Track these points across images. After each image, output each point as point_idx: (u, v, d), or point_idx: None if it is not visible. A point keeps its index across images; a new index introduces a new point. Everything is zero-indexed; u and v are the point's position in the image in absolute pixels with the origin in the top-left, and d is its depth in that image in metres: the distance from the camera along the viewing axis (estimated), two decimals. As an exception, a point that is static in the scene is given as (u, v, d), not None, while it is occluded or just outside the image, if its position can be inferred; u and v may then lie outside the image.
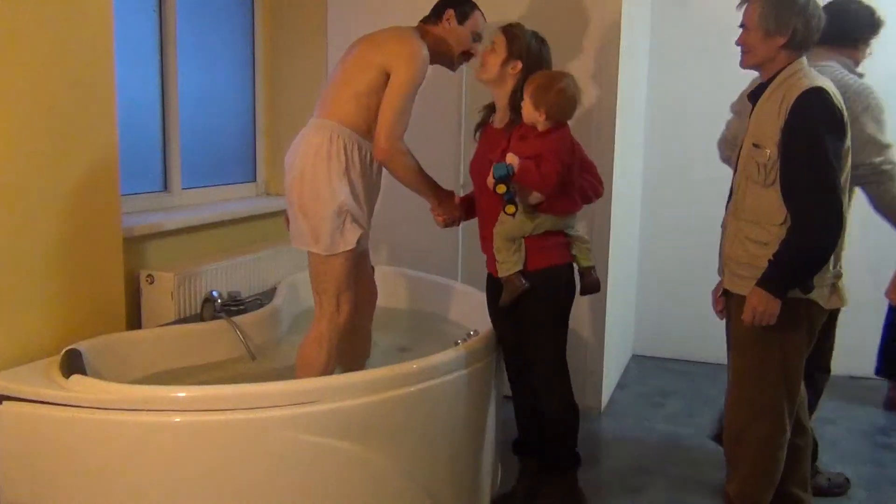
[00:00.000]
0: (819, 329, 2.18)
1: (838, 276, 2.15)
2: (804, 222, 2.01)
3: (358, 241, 2.41)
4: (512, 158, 2.27)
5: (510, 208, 2.29)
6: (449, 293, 3.24)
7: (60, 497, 1.96)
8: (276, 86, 3.80)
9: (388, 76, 2.36)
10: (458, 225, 2.67)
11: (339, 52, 3.70)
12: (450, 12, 2.51)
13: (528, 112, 2.30)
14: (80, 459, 1.93)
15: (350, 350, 2.60)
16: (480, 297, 2.96)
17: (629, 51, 3.48)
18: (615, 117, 3.33)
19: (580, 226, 2.51)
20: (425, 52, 2.40)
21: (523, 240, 2.35)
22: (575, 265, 2.43)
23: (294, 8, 3.75)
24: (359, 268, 2.53)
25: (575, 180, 2.38)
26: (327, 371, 2.40)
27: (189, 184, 3.27)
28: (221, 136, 3.54)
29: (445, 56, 2.56)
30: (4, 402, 1.98)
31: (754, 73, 2.32)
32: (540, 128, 2.31)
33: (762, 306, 2.04)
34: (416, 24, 2.59)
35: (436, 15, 2.53)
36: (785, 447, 2.20)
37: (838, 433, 3.34)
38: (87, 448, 1.92)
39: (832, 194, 1.98)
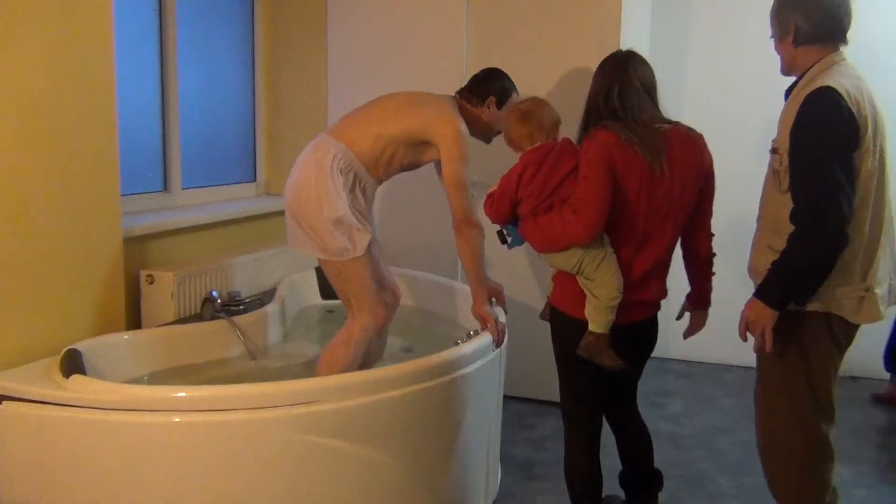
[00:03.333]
0: (849, 341, 2.07)
1: (867, 289, 1.98)
2: (799, 231, 1.89)
3: (369, 246, 2.44)
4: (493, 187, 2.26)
5: (499, 238, 2.28)
6: (449, 293, 3.24)
7: (60, 497, 1.96)
8: (276, 86, 3.80)
9: (421, 141, 2.46)
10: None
11: (339, 52, 3.73)
12: (491, 99, 2.59)
13: None
14: (80, 459, 1.93)
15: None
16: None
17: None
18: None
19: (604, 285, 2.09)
20: (465, 128, 2.48)
21: (556, 271, 2.22)
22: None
23: (294, 8, 3.75)
24: (377, 270, 2.57)
25: (539, 216, 2.13)
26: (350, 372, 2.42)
27: (189, 184, 3.27)
28: (221, 136, 3.54)
29: (481, 132, 2.64)
30: (4, 402, 1.98)
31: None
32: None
33: (752, 316, 1.96)
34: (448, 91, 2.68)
35: (478, 98, 2.59)
36: (829, 463, 2.11)
37: (838, 433, 3.32)
38: (87, 448, 1.92)
39: (829, 202, 1.83)
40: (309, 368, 2.79)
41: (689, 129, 2.16)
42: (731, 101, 4.09)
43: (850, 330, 2.04)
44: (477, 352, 2.35)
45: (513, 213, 2.20)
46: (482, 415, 2.43)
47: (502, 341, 2.50)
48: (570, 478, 2.32)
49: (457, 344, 2.38)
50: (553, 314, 2.25)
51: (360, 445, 2.02)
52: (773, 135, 2.01)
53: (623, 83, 2.10)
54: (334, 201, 2.37)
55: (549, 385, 3.59)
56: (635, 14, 3.64)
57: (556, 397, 3.55)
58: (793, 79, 2.06)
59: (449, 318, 3.18)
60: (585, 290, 2.08)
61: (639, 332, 2.21)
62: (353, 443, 2.01)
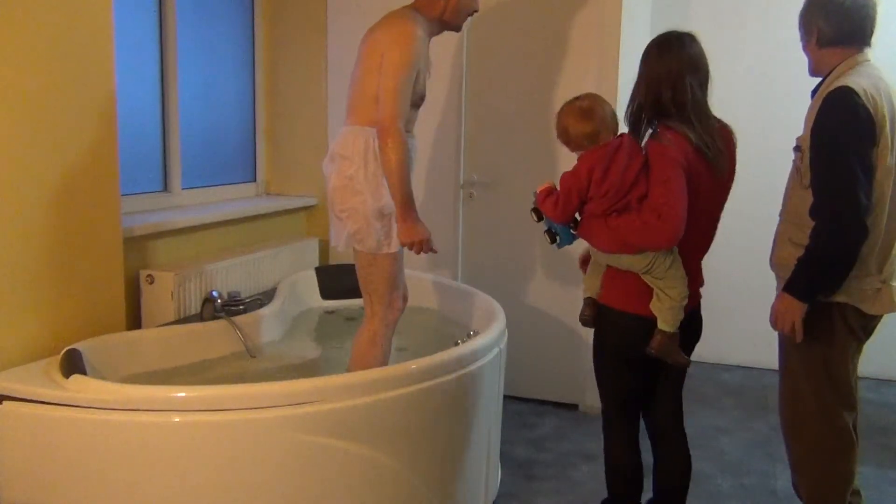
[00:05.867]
0: (867, 332, 2.16)
1: (884, 281, 2.09)
2: (820, 225, 1.98)
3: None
4: (541, 185, 2.16)
5: (547, 237, 2.18)
6: (449, 293, 3.24)
7: (60, 497, 1.96)
8: (276, 85, 3.80)
9: None
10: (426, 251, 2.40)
11: (339, 52, 3.73)
12: None
13: None
14: (79, 459, 1.93)
15: None
16: (480, 297, 2.96)
17: (629, 51, 3.47)
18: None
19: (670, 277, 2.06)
20: (419, 31, 2.35)
21: (606, 267, 2.16)
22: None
23: (294, 7, 3.75)
24: (402, 267, 2.55)
25: (611, 217, 2.05)
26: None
27: (189, 184, 3.27)
28: (221, 136, 3.54)
29: (453, 21, 2.52)
30: (4, 402, 1.98)
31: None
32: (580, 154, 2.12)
33: (782, 308, 2.05)
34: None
35: None
36: (851, 452, 2.18)
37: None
38: (87, 448, 1.92)
39: (848, 195, 1.93)
40: (309, 368, 2.79)
41: (729, 130, 2.17)
42: (732, 99, 4.08)
43: (866, 321, 2.13)
44: (477, 352, 2.35)
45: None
46: (482, 415, 2.43)
47: (423, 251, 2.37)
48: (615, 478, 2.27)
49: (457, 344, 2.38)
50: (605, 314, 2.17)
51: (360, 445, 2.02)
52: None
53: (692, 71, 2.04)
54: (378, 192, 2.34)
55: (549, 385, 3.60)
56: (636, 15, 3.64)
57: (556, 397, 3.58)
58: (811, 81, 2.15)
59: (449, 318, 3.18)
60: (656, 290, 2.06)
61: (688, 322, 2.17)
62: (353, 442, 2.01)
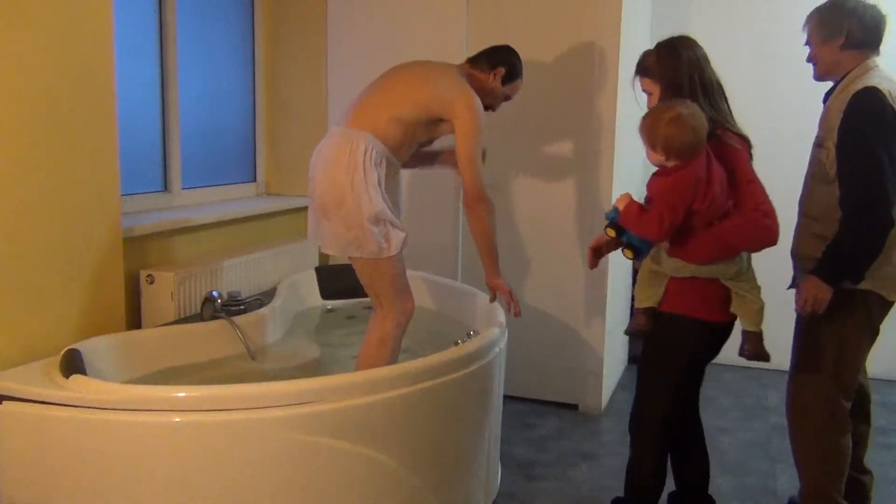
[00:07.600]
0: (881, 321, 2.26)
1: None
2: (850, 215, 2.09)
3: (402, 244, 2.45)
4: (621, 200, 2.10)
5: (627, 252, 2.12)
6: (449, 293, 3.24)
7: (61, 497, 1.96)
8: (276, 86, 3.80)
9: (437, 118, 2.44)
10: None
11: (339, 52, 3.73)
12: (501, 70, 2.59)
13: (649, 155, 2.06)
14: (80, 459, 1.93)
15: None
16: (481, 298, 2.96)
17: (630, 52, 3.48)
18: (615, 120, 3.32)
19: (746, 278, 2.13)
20: (479, 102, 2.46)
21: (669, 277, 2.14)
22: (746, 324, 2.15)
23: (294, 8, 3.75)
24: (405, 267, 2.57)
25: (712, 224, 2.03)
26: None
27: (189, 184, 3.27)
28: (221, 136, 3.55)
29: (485, 102, 2.60)
30: (4, 402, 1.98)
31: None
32: (669, 166, 2.03)
33: (813, 292, 2.13)
34: (444, 54, 2.70)
35: (489, 65, 2.60)
36: (846, 436, 2.29)
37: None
38: (87, 448, 1.92)
39: (877, 189, 2.04)
40: (309, 368, 2.80)
41: None
42: (732, 101, 4.09)
43: (884, 309, 2.24)
44: (477, 352, 2.34)
45: None
46: (482, 415, 2.43)
47: (518, 310, 2.54)
48: (643, 486, 2.26)
49: (456, 344, 2.39)
50: (678, 323, 2.14)
51: (360, 445, 2.02)
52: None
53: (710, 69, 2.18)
54: (374, 197, 2.35)
55: (549, 385, 3.60)
56: (635, 14, 3.64)
57: (557, 397, 3.59)
58: (826, 84, 2.27)
59: (448, 318, 3.18)
60: (741, 293, 2.10)
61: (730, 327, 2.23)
62: (352, 443, 2.01)
